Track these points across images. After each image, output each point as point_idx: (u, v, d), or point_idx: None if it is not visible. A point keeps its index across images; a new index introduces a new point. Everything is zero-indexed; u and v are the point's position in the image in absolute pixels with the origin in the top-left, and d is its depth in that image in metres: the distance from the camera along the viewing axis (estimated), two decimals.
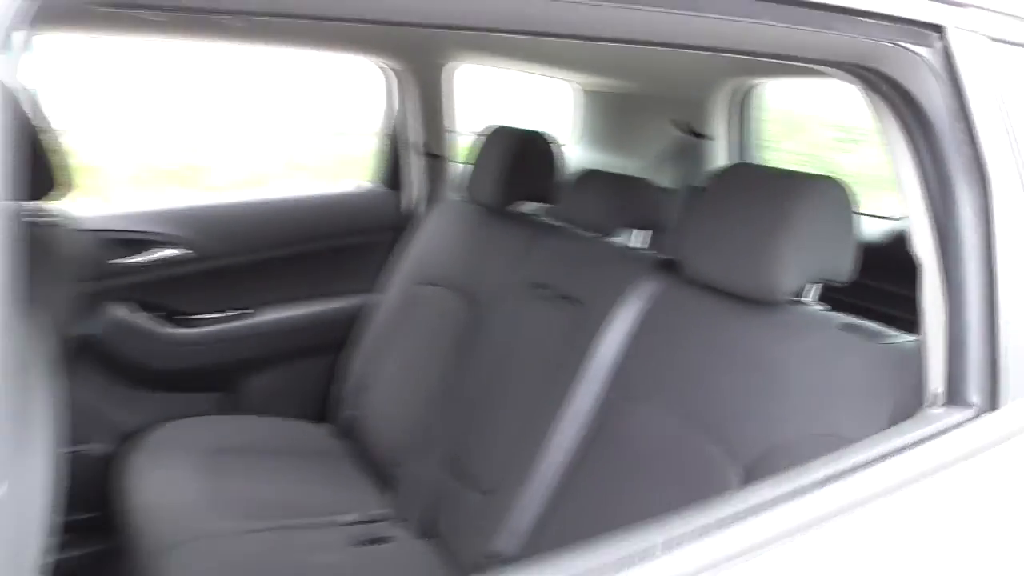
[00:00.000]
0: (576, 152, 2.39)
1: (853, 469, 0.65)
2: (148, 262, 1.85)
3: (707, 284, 1.11)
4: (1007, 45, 0.72)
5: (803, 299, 1.05)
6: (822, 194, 1.01)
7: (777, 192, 1.02)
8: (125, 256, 1.82)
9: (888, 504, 0.67)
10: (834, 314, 1.03)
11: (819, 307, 1.05)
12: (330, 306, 2.01)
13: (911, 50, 0.68)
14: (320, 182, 5.89)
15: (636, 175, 1.55)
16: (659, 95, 2.22)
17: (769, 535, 0.60)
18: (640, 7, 0.61)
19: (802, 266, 1.00)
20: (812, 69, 0.75)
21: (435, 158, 2.13)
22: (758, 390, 1.01)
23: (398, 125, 2.15)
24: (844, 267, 1.02)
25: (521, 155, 1.62)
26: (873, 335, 0.94)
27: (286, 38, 1.91)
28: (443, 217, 1.82)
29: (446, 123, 2.12)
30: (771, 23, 0.65)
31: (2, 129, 0.41)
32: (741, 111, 2.13)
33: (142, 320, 1.85)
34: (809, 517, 0.63)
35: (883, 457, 0.67)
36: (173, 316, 1.89)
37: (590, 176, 1.47)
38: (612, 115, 2.35)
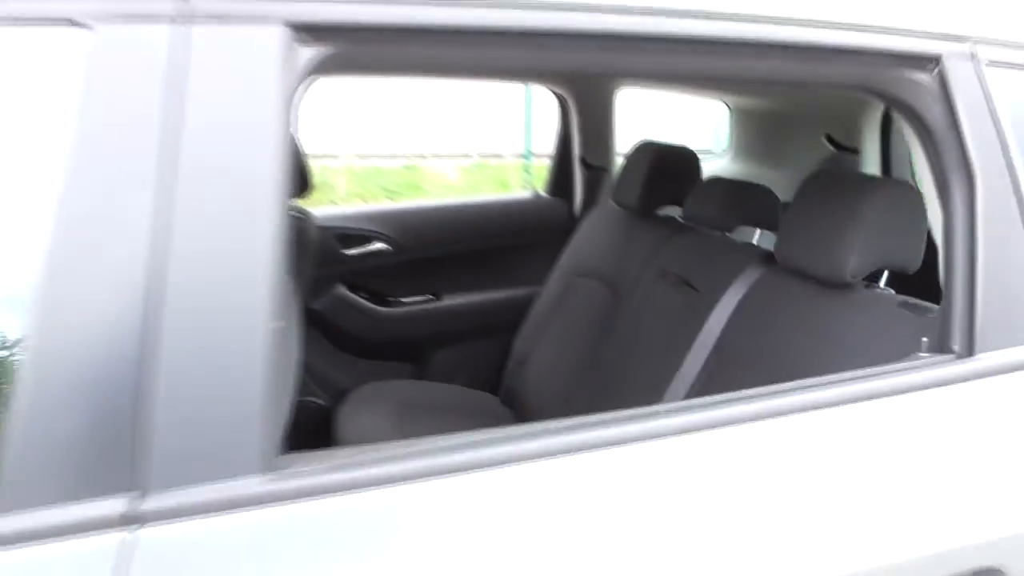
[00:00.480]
0: (729, 166, 2.60)
1: (842, 398, 0.87)
2: (362, 253, 2.33)
3: (795, 270, 1.33)
4: (999, 67, 0.90)
5: (872, 284, 1.24)
6: (889, 194, 1.20)
7: (850, 192, 1.23)
8: (346, 248, 2.31)
9: (867, 420, 0.88)
10: (896, 295, 1.21)
11: (885, 289, 1.24)
12: (505, 294, 2.38)
13: (912, 77, 0.89)
14: (501, 191, 6.46)
15: (788, 187, 1.76)
16: (811, 112, 2.38)
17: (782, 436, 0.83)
18: (715, 57, 0.87)
19: (868, 254, 1.19)
20: None
21: (597, 170, 2.45)
22: (829, 356, 1.21)
23: (566, 142, 2.49)
24: (912, 257, 1.20)
25: (662, 166, 1.89)
26: (923, 310, 1.12)
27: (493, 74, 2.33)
28: (597, 219, 2.12)
29: (608, 139, 2.44)
30: (798, 61, 0.89)
31: (282, 144, 0.73)
32: (889, 126, 2.24)
33: (357, 300, 2.32)
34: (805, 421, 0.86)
35: (875, 380, 0.88)
36: (379, 298, 2.35)
37: (713, 182, 1.72)
38: (764, 131, 2.54)
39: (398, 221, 2.40)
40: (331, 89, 3.37)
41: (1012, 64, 0.91)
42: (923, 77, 0.90)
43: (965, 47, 0.91)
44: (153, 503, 0.63)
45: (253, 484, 0.66)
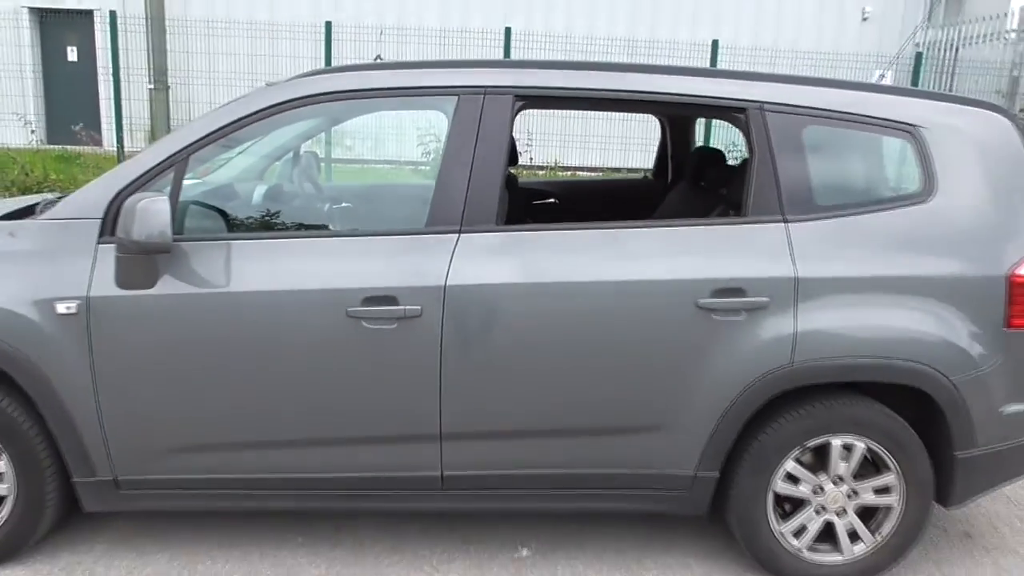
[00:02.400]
0: None
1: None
2: (540, 205, 4.21)
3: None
4: (808, 115, 2.55)
5: None
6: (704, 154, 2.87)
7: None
8: (533, 199, 4.20)
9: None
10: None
11: None
12: None
13: (738, 118, 2.58)
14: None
15: None
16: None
17: None
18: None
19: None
20: None
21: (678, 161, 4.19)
22: None
23: (664, 147, 4.26)
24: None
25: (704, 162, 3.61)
26: None
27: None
28: (679, 188, 3.87)
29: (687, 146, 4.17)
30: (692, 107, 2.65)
31: (501, 134, 2.57)
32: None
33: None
34: None
35: None
36: None
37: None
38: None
39: (564, 187, 4.27)
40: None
41: (781, 111, 2.58)
42: (743, 116, 2.60)
43: (757, 105, 2.60)
44: None
45: None
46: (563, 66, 2.68)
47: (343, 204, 3.37)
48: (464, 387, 2.49)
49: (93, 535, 2.81)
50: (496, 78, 2.59)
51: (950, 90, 12.06)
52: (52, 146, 12.09)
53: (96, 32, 12.92)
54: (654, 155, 4.36)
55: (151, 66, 12.88)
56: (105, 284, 2.41)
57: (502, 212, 2.57)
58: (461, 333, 2.46)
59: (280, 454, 2.54)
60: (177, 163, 2.49)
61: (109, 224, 2.45)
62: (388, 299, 2.44)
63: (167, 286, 2.42)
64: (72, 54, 13.29)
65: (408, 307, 2.44)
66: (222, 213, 2.71)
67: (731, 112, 2.67)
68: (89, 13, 13.01)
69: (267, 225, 2.84)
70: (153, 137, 12.96)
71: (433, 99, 2.63)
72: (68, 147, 11.03)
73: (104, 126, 12.64)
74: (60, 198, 2.76)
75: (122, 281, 2.40)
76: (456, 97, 2.56)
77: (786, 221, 2.57)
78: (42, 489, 2.53)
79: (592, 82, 2.65)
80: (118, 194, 2.47)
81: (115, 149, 10.98)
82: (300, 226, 2.97)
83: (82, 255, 2.43)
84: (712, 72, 2.73)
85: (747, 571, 2.79)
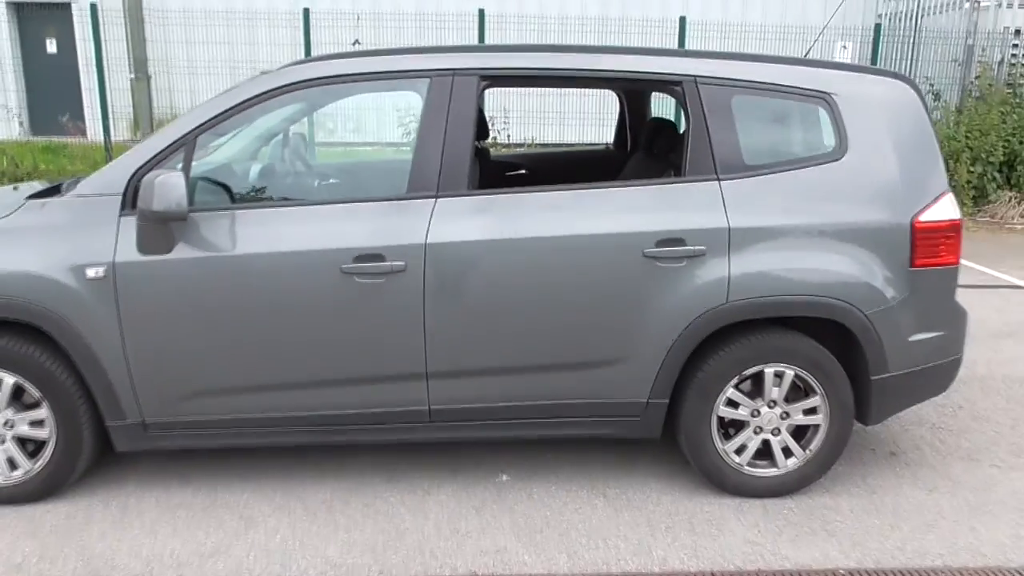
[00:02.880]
0: None
1: None
2: (512, 176, 4.58)
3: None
4: (734, 87, 2.93)
5: None
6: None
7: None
8: (506, 171, 4.57)
9: None
10: None
11: None
12: None
13: (676, 90, 2.98)
14: None
15: None
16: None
17: None
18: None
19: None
20: None
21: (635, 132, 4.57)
22: None
23: (623, 119, 4.63)
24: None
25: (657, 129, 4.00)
26: None
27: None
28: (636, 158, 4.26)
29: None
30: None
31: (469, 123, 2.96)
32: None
33: None
34: None
35: None
36: None
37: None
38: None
39: (533, 159, 4.64)
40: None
41: (712, 83, 2.96)
42: (679, 89, 2.98)
43: (691, 78, 2.99)
44: None
45: None
46: (523, 49, 3.06)
47: (331, 179, 3.73)
48: (445, 331, 2.88)
49: (123, 474, 3.19)
50: (463, 61, 2.96)
51: (913, 58, 12.52)
52: (36, 137, 12.27)
53: (75, 24, 13.07)
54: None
55: (131, 56, 13.07)
56: (128, 251, 2.77)
57: (473, 179, 2.95)
58: (441, 284, 2.84)
59: (288, 395, 2.92)
60: (187, 143, 2.84)
61: (129, 199, 2.81)
62: (376, 256, 2.81)
63: (182, 251, 2.79)
64: (51, 46, 13.44)
65: (394, 263, 2.82)
66: (226, 187, 3.06)
67: (670, 85, 3.06)
68: (67, 6, 13.15)
69: (266, 197, 3.20)
70: (136, 125, 13.17)
71: (409, 81, 3.00)
72: (54, 138, 11.23)
73: (87, 116, 12.83)
74: (82, 179, 3.10)
75: (143, 247, 2.76)
76: (429, 79, 2.93)
77: (719, 179, 2.97)
78: (79, 433, 2.90)
79: (548, 62, 3.03)
80: (135, 172, 2.82)
81: (101, 139, 11.21)
82: (295, 197, 3.33)
83: (107, 226, 2.79)
84: (652, 51, 3.11)
85: (697, 488, 3.21)
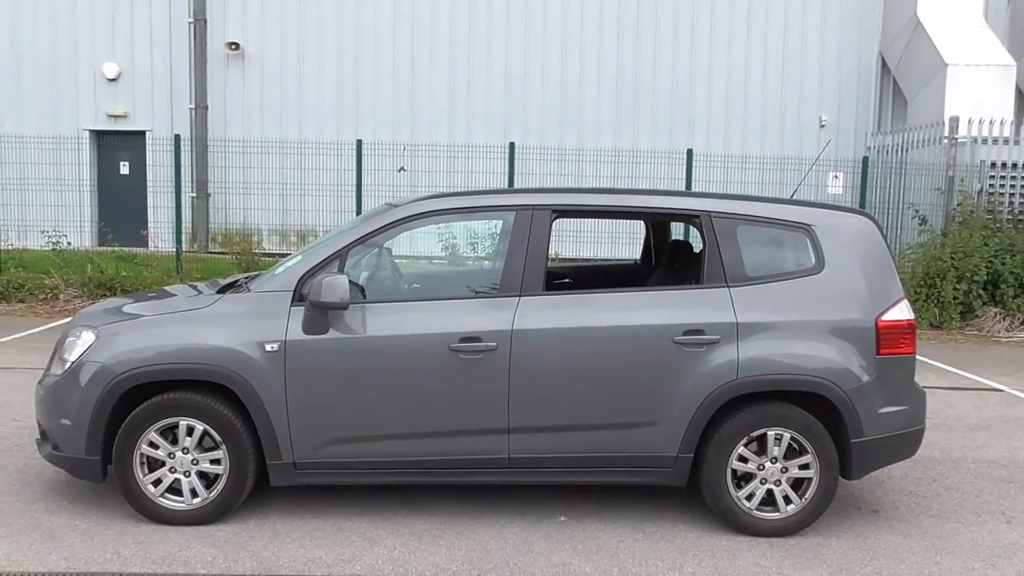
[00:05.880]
0: None
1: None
2: (558, 283, 5.63)
3: None
4: (739, 219, 3.99)
5: None
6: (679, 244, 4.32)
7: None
8: (554, 280, 5.62)
9: None
10: None
11: None
12: None
13: (695, 222, 4.04)
14: None
15: None
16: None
17: None
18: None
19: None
20: None
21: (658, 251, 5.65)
22: None
23: (648, 239, 5.73)
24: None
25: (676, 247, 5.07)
26: None
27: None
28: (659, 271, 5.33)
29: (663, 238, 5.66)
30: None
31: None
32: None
33: None
34: None
35: None
36: None
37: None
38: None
39: (574, 270, 5.69)
40: None
41: (722, 217, 4.03)
42: (697, 222, 4.06)
43: (707, 213, 4.06)
44: None
45: None
46: (584, 191, 4.21)
47: (437, 281, 4.82)
48: (524, 396, 3.84)
49: (266, 507, 4.08)
50: (540, 199, 4.07)
51: (900, 187, 13.85)
52: (103, 248, 13.56)
53: (148, 150, 14.68)
54: (639, 247, 5.84)
55: (194, 178, 14.60)
56: (296, 332, 3.79)
57: (545, 283, 3.99)
58: (522, 361, 3.83)
59: (405, 443, 3.85)
60: (341, 256, 3.92)
61: (296, 295, 3.85)
62: (475, 338, 3.82)
63: (334, 332, 3.80)
64: (124, 168, 15.02)
65: (488, 344, 3.81)
66: (360, 287, 4.10)
67: (692, 218, 4.15)
68: (142, 134, 14.82)
69: (390, 294, 4.28)
70: (195, 238, 14.52)
71: (500, 213, 4.11)
72: (120, 248, 12.49)
73: (151, 230, 14.19)
74: (254, 276, 4.16)
75: (307, 329, 3.78)
76: (515, 212, 4.03)
77: (728, 287, 4.00)
78: (246, 469, 3.82)
79: (604, 201, 4.19)
80: (302, 276, 3.88)
81: (159, 249, 12.49)
82: (412, 294, 4.39)
83: (281, 314, 3.82)
84: (680, 192, 4.26)
85: (716, 527, 4.06)
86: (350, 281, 4.03)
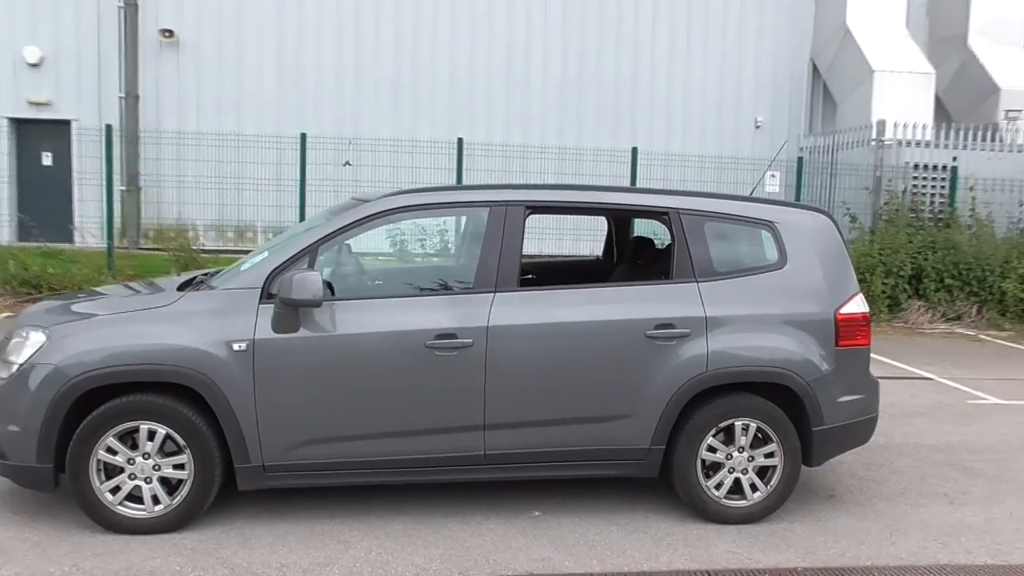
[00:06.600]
0: None
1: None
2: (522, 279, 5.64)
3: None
4: (706, 216, 4.06)
5: None
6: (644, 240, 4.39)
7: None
8: None
9: None
10: None
11: None
12: None
13: (664, 218, 4.11)
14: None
15: None
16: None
17: None
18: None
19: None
20: None
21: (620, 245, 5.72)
22: None
23: (610, 235, 5.79)
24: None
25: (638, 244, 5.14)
26: None
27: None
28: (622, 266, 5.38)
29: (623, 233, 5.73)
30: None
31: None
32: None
33: None
34: None
35: None
36: None
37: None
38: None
39: (536, 266, 5.72)
40: None
41: (690, 214, 4.10)
42: (666, 218, 4.13)
43: (676, 210, 4.13)
44: None
45: None
46: (558, 187, 4.23)
47: (406, 278, 4.74)
48: (500, 392, 3.83)
49: (231, 512, 3.95)
50: (513, 195, 4.06)
51: (831, 186, 14.38)
52: (24, 243, 12.89)
53: (73, 139, 14.01)
54: (601, 243, 5.89)
55: (123, 170, 14.01)
56: (264, 330, 3.68)
57: (519, 279, 3.98)
58: (498, 357, 3.82)
59: (378, 443, 3.79)
60: (311, 252, 3.82)
61: (265, 292, 3.74)
62: (451, 335, 3.78)
63: (305, 331, 3.71)
64: (47, 159, 14.29)
65: (464, 340, 3.79)
66: (329, 284, 4.01)
67: (661, 215, 4.21)
68: (66, 123, 14.13)
69: (361, 291, 4.19)
70: (124, 233, 13.94)
71: (474, 209, 4.08)
72: (44, 244, 11.88)
73: (76, 225, 13.56)
74: (215, 273, 4.02)
75: (276, 328, 3.68)
76: (489, 208, 4.01)
77: (697, 281, 4.08)
78: (212, 473, 3.69)
79: (576, 197, 4.19)
80: (271, 273, 3.76)
81: (88, 244, 11.95)
82: (383, 291, 4.31)
83: (249, 312, 3.70)
84: (649, 190, 4.30)
85: (687, 517, 4.14)
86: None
